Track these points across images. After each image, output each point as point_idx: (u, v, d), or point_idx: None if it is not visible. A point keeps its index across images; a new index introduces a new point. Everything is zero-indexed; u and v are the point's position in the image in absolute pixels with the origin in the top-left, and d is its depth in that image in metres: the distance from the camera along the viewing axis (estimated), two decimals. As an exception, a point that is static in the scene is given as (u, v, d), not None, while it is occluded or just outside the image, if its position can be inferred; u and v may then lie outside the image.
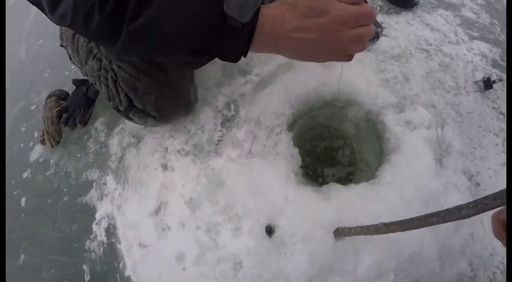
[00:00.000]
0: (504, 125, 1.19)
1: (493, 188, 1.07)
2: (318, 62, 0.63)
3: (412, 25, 1.33)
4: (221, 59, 0.60)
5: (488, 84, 1.21)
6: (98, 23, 0.52)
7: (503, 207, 0.44)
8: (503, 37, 1.39)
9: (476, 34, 1.37)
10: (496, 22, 1.44)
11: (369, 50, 1.21)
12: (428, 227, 0.56)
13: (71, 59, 1.07)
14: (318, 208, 0.88)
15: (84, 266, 1.02)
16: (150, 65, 0.90)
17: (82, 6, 0.51)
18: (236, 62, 0.60)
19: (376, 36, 1.22)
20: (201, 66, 0.64)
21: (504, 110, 1.22)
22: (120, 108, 0.97)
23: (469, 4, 1.46)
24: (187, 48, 0.57)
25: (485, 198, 0.46)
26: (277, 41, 0.57)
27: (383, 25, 1.28)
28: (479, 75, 1.25)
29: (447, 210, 0.53)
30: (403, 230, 0.63)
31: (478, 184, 1.07)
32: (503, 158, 1.13)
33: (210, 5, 0.53)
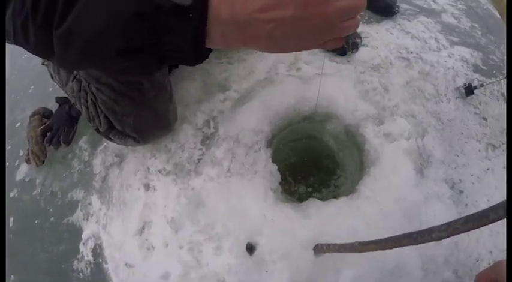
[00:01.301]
0: (487, 131, 1.19)
1: (477, 195, 1.08)
2: (300, 50, 0.48)
3: (392, 33, 1.33)
4: (174, 62, 0.48)
5: (469, 89, 1.20)
6: (34, 35, 0.45)
7: (495, 264, 0.42)
8: (484, 41, 1.39)
9: (456, 39, 1.37)
10: (477, 26, 1.43)
11: (348, 61, 1.21)
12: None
13: (52, 78, 1.07)
14: (297, 225, 0.89)
15: (73, 287, 1.03)
16: (127, 86, 0.90)
17: (18, 18, 0.44)
18: (194, 65, 0.48)
19: (356, 47, 1.22)
20: (152, 71, 0.49)
21: (486, 115, 1.21)
22: (100, 130, 0.98)
23: (449, 9, 1.46)
24: (118, 46, 0.43)
25: (455, 221, 0.46)
26: (241, 27, 0.43)
27: (362, 35, 1.28)
28: (461, 81, 1.25)
29: (419, 232, 0.53)
30: (378, 250, 0.64)
31: (461, 191, 1.06)
32: (486, 163, 1.12)
33: None
